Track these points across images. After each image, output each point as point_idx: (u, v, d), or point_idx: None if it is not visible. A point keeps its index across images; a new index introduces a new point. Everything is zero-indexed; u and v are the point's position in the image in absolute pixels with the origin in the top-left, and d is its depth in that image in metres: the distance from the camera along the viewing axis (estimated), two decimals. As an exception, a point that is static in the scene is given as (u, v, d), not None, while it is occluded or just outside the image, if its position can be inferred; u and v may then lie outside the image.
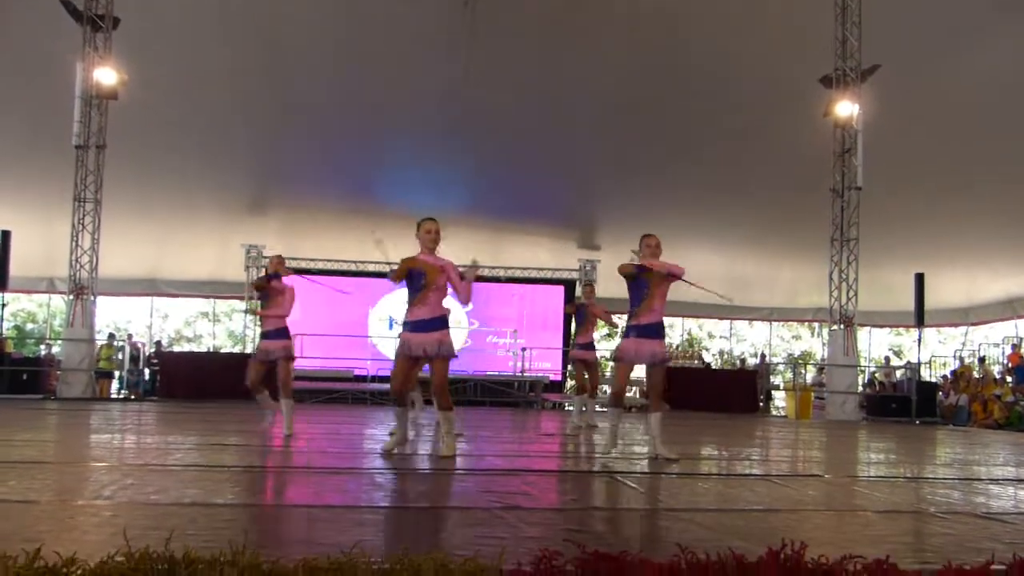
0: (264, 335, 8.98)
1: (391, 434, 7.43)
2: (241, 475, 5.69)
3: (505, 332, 23.37)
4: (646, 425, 7.83)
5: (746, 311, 27.21)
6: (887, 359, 27.25)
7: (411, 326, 6.93)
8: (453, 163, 21.20)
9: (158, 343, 24.46)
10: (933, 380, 22.16)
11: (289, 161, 21.63)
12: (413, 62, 19.08)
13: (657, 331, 7.37)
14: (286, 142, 21.02)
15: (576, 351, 11.39)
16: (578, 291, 24.15)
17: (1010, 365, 21.36)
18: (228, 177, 21.40)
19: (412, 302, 6.96)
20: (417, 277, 6.94)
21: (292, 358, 8.88)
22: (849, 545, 3.30)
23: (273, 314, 8.82)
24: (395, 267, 7.05)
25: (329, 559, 2.49)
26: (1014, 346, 21.99)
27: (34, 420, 10.80)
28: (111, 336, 21.59)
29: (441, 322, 6.96)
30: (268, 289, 8.93)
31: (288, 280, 9.03)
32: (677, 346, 28.16)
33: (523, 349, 22.37)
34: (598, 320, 11.42)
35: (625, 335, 7.54)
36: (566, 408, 19.52)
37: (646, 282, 7.38)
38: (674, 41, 18.72)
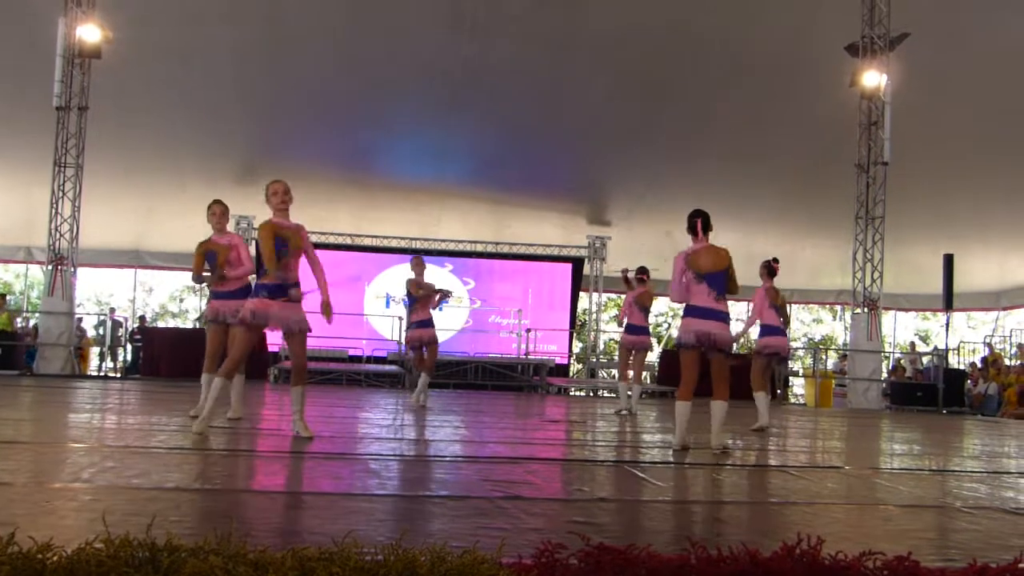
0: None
1: None
2: (228, 459, 5.71)
3: (509, 312, 23.37)
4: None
5: (764, 292, 27.12)
6: (913, 345, 27.21)
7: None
8: (454, 132, 21.12)
9: (142, 318, 24.52)
10: (961, 367, 22.15)
11: (282, 128, 21.55)
12: (414, 25, 18.99)
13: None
14: (279, 108, 20.94)
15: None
16: (586, 269, 24.13)
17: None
18: (217, 144, 21.32)
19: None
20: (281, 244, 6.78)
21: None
22: (869, 541, 3.30)
23: None
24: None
25: (319, 549, 2.49)
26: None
27: (9, 397, 10.83)
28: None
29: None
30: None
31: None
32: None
33: (528, 330, 22.38)
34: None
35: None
36: (571, 393, 19.58)
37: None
38: (691, 4, 18.58)
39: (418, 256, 11.46)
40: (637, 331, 11.62)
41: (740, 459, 7.26)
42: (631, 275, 11.83)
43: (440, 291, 11.26)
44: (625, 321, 11.67)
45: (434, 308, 11.11)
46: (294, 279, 6.77)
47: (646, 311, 11.73)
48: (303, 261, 6.93)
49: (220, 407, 6.95)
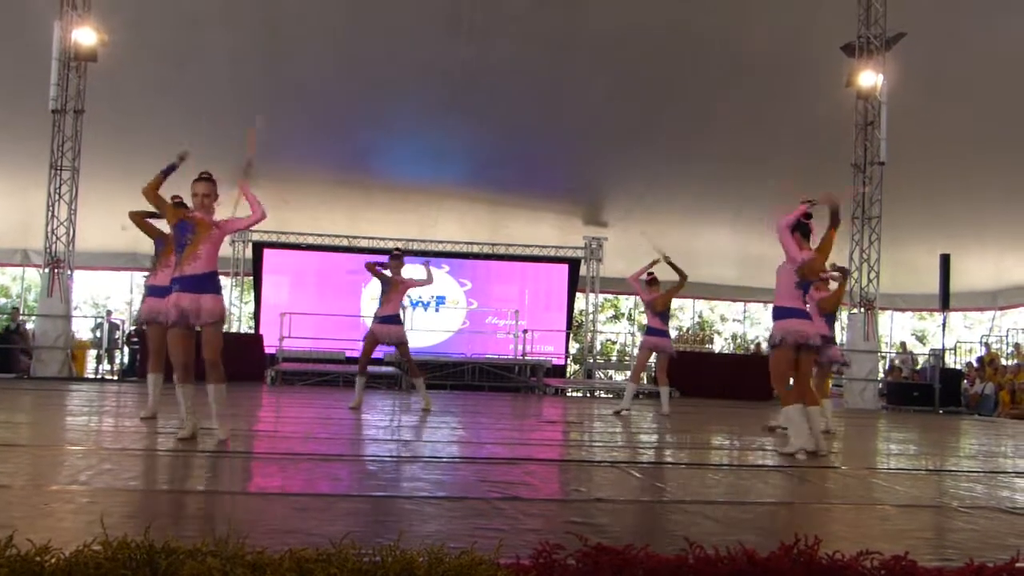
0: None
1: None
2: (225, 461, 5.70)
3: (505, 313, 23.35)
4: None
5: (761, 293, 27.12)
6: (903, 344, 27.21)
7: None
8: (453, 132, 21.07)
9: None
10: (958, 367, 22.15)
11: (280, 129, 21.41)
12: (413, 26, 18.97)
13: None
14: (277, 109, 20.82)
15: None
16: (583, 270, 24.12)
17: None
18: (214, 146, 21.16)
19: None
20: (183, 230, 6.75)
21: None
22: (866, 540, 3.31)
23: None
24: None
25: (317, 551, 2.49)
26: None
27: (7, 400, 10.81)
28: None
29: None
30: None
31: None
32: (688, 329, 28.18)
33: (524, 331, 22.37)
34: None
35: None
36: (568, 394, 19.58)
37: None
38: (691, 4, 18.57)
39: (399, 253, 11.19)
40: (657, 334, 11.66)
41: (737, 459, 7.26)
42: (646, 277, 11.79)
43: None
44: (646, 324, 11.89)
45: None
46: (202, 269, 6.62)
47: (663, 315, 11.76)
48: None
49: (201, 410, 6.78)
